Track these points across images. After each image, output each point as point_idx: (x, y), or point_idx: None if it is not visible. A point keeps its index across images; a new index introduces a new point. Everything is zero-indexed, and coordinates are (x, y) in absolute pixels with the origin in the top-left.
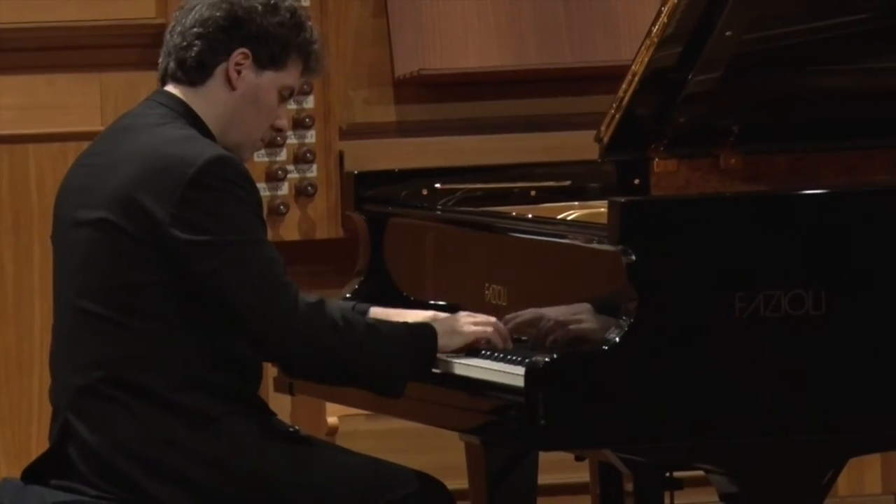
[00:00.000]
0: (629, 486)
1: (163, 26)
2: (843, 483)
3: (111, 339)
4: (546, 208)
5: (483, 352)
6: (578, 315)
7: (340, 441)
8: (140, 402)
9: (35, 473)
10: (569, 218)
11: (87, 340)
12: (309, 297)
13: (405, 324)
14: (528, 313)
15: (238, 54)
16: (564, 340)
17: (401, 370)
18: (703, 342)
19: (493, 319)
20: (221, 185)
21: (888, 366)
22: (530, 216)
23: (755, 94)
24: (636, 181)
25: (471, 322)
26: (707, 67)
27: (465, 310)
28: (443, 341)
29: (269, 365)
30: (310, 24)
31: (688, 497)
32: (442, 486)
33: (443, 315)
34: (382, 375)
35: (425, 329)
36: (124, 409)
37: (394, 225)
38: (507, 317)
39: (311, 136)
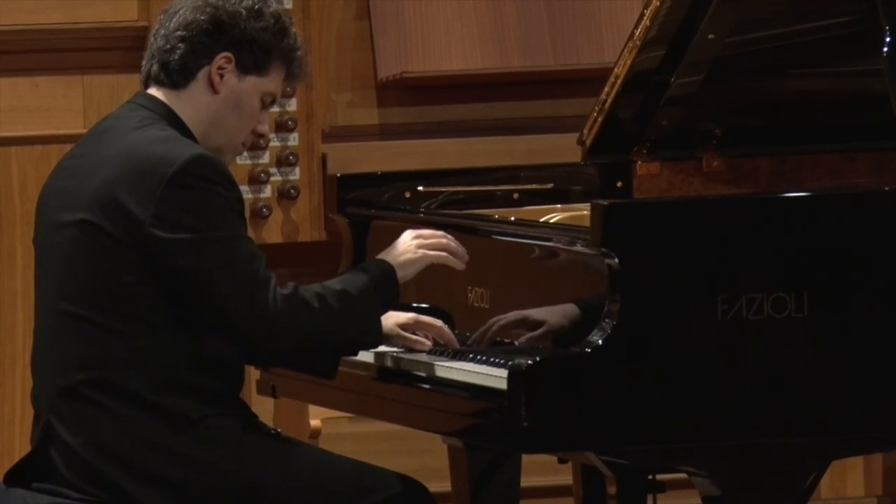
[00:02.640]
0: (612, 489)
1: (145, 29)
2: (825, 486)
3: (93, 340)
4: (529, 211)
5: (464, 354)
6: (551, 314)
7: (323, 443)
8: (122, 403)
9: (17, 476)
10: (551, 221)
11: (68, 342)
12: (284, 287)
13: (367, 273)
14: (511, 316)
15: (221, 58)
16: (539, 339)
17: (377, 323)
18: (686, 344)
19: (440, 234)
20: (201, 184)
21: (870, 368)
22: (513, 219)
23: (737, 96)
24: (619, 184)
25: (421, 244)
26: (689, 70)
27: (448, 312)
28: (401, 273)
29: (252, 367)
30: (294, 30)
31: (670, 500)
32: (423, 488)
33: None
34: (363, 336)
35: (386, 272)
36: (106, 411)
37: (376, 227)
38: (491, 321)
39: (293, 139)
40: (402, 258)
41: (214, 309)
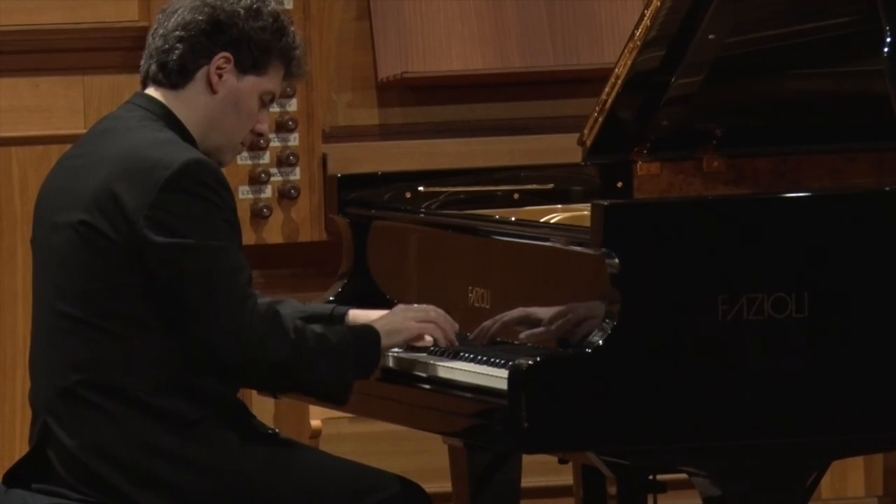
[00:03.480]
0: (612, 489)
1: (146, 29)
2: (826, 486)
3: (89, 342)
4: (529, 211)
5: (465, 354)
6: (552, 314)
7: (324, 444)
8: (119, 405)
9: (16, 477)
10: (552, 221)
11: (65, 343)
12: (264, 306)
13: (350, 329)
14: (515, 313)
15: (219, 58)
16: (540, 339)
17: (348, 380)
18: (686, 345)
19: (430, 309)
20: (196, 189)
21: (871, 369)
22: (513, 219)
23: (738, 97)
24: (619, 184)
25: (410, 317)
26: (690, 70)
27: (448, 312)
28: (385, 341)
29: None
30: (292, 28)
31: (671, 500)
32: (421, 489)
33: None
34: (330, 386)
35: (369, 333)
36: (103, 412)
37: (377, 228)
38: (495, 317)
39: (294, 139)
40: (389, 327)
41: (189, 315)
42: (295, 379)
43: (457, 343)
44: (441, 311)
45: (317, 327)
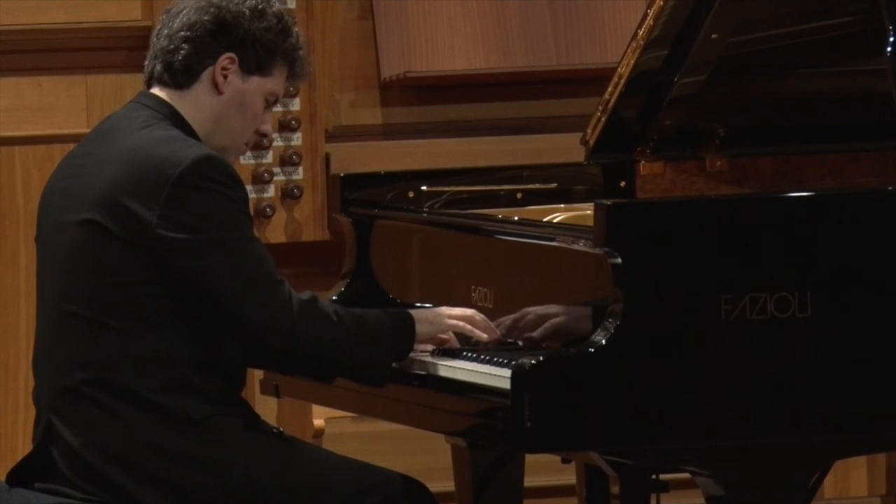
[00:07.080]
0: (615, 489)
1: (149, 29)
2: (829, 485)
3: (94, 340)
4: (532, 211)
5: (468, 353)
6: (555, 313)
7: (326, 443)
8: (123, 403)
9: (20, 476)
10: (555, 220)
11: (70, 342)
12: (301, 294)
13: (386, 313)
14: (515, 316)
15: (225, 59)
16: (543, 338)
17: (387, 361)
18: (689, 344)
19: (470, 312)
20: (208, 185)
21: (873, 368)
22: (516, 219)
23: (741, 96)
24: (622, 183)
25: (446, 314)
26: (693, 70)
27: None
28: (420, 328)
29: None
30: (296, 29)
31: (674, 499)
32: (425, 488)
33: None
34: (371, 368)
35: (405, 317)
36: (107, 411)
37: (380, 227)
38: (498, 320)
39: (297, 139)
40: (423, 316)
41: (226, 311)
42: (337, 362)
43: (489, 341)
44: (483, 316)
45: (355, 310)
